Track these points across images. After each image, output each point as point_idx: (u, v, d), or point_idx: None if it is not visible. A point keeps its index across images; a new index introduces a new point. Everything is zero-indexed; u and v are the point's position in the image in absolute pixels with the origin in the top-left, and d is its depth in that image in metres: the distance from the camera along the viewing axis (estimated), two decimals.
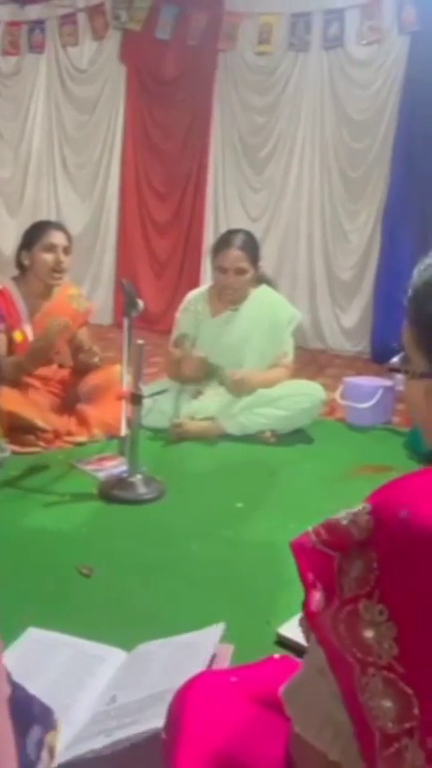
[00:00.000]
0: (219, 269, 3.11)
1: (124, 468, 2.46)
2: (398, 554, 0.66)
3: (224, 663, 1.41)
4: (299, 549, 0.72)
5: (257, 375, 3.09)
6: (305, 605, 0.71)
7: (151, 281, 5.67)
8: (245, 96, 5.31)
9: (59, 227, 2.99)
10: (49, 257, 2.86)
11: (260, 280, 3.23)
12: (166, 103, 5.51)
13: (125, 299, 2.53)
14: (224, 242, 3.12)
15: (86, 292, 4.52)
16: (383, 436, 3.25)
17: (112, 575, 1.85)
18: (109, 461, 2.64)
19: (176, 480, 2.53)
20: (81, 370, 3.00)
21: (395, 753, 0.65)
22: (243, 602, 1.75)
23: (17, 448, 2.66)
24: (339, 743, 0.71)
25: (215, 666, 1.34)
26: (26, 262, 2.90)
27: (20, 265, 2.94)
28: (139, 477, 2.42)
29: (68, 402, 2.99)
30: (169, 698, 1.01)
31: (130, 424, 2.40)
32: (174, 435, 2.97)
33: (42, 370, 2.90)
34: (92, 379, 2.99)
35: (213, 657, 1.33)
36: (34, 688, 1.20)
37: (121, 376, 2.48)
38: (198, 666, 1.24)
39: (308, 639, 0.76)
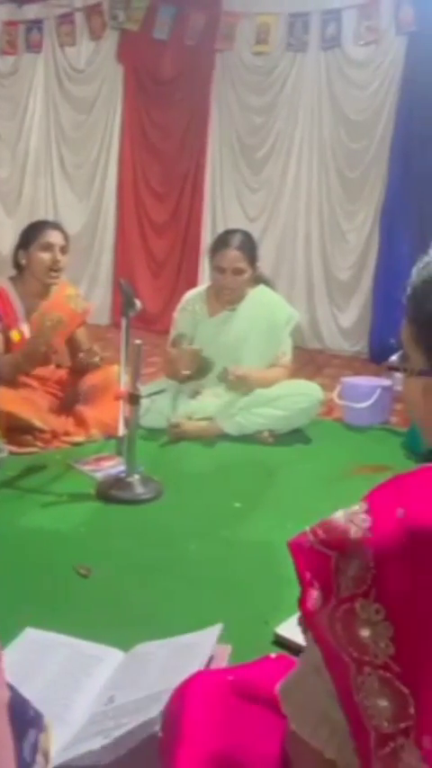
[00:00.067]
0: (216, 269, 3.10)
1: (122, 468, 2.46)
2: (394, 553, 0.66)
3: (222, 663, 1.41)
4: (296, 548, 0.72)
5: (257, 372, 3.09)
6: (302, 604, 0.71)
7: (149, 280, 5.67)
8: (242, 96, 5.30)
9: (57, 226, 2.99)
10: (46, 256, 2.86)
11: (258, 280, 3.23)
12: (164, 103, 5.51)
13: (123, 299, 2.52)
14: (222, 242, 3.11)
15: (84, 292, 4.51)
16: (381, 436, 3.25)
17: (109, 575, 1.85)
18: (106, 461, 2.63)
19: (174, 480, 2.53)
20: (79, 370, 3.00)
21: (391, 752, 0.65)
22: (241, 601, 1.75)
23: (15, 448, 2.66)
24: (335, 741, 0.71)
25: (213, 667, 1.33)
26: (23, 261, 2.90)
27: (17, 265, 2.93)
28: (136, 477, 2.42)
29: (66, 402, 2.99)
30: (167, 698, 1.01)
31: (127, 424, 2.39)
32: (171, 435, 2.97)
33: (40, 371, 2.90)
34: (90, 380, 2.98)
35: (211, 658, 1.33)
36: (32, 688, 1.20)
37: (119, 376, 2.48)
38: (196, 667, 1.23)
39: (305, 638, 0.76)
